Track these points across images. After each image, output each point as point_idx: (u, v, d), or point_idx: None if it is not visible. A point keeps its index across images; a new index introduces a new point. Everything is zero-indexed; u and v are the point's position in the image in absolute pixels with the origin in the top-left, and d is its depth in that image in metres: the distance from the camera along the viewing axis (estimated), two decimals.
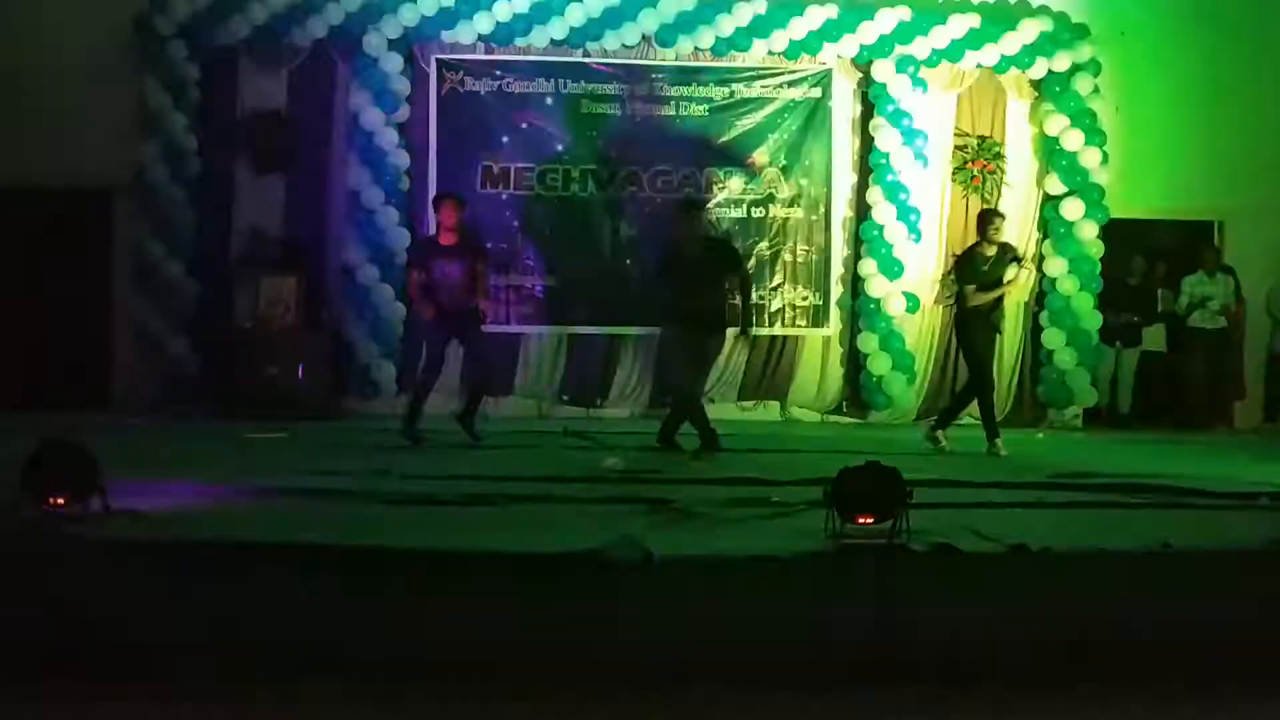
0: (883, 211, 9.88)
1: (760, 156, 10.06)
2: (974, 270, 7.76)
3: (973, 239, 8.18)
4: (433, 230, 8.11)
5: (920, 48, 9.82)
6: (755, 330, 9.86)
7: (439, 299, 7.61)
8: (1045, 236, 10.16)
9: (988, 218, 7.96)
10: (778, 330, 10.17)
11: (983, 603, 4.08)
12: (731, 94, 10.08)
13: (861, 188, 10.12)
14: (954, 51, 9.90)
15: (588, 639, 3.95)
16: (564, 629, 3.97)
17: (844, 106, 10.16)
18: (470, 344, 7.88)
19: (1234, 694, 3.81)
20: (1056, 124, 9.97)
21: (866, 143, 10.10)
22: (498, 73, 9.93)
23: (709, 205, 9.54)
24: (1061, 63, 9.92)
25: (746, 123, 10.07)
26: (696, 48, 9.88)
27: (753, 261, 10.00)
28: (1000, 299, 7.87)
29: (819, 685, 3.80)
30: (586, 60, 9.98)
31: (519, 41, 9.79)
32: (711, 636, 3.96)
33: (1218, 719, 3.66)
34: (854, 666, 3.90)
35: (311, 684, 3.75)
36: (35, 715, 3.56)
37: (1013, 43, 9.87)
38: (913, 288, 9.95)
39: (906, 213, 9.86)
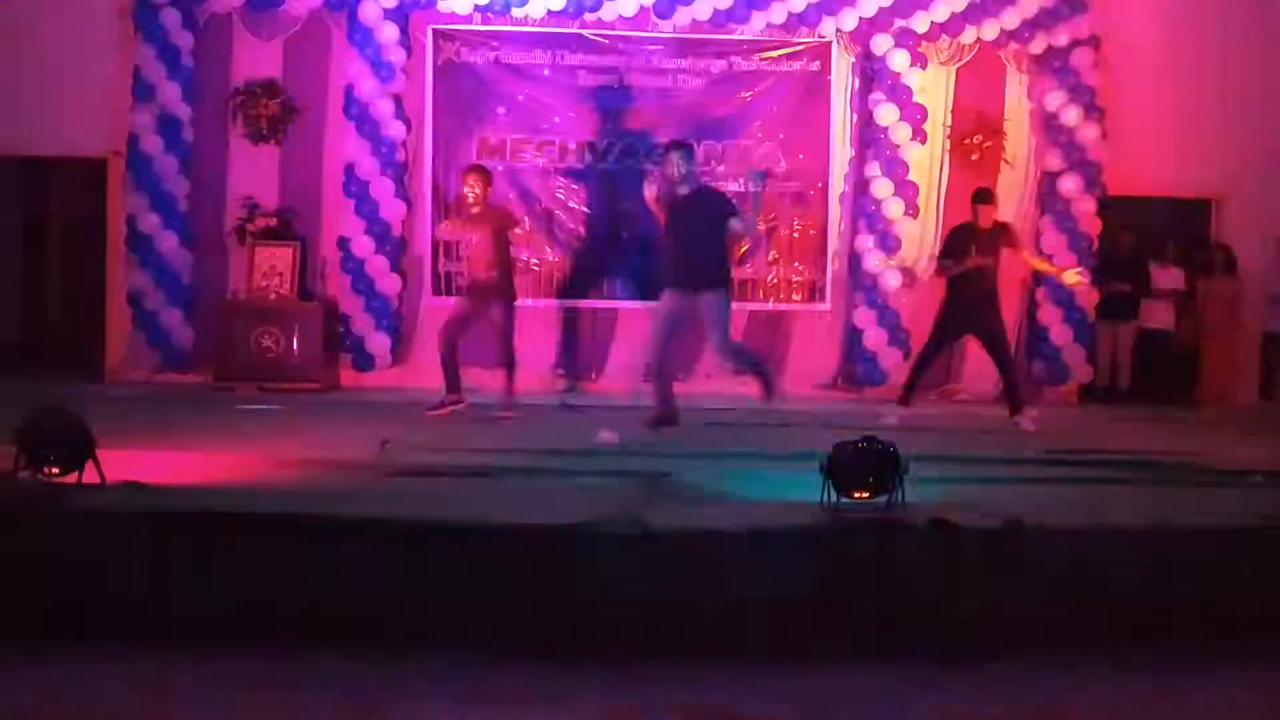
0: (880, 186, 9.85)
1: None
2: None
3: (969, 214, 8.28)
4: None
5: (919, 21, 9.74)
6: (751, 305, 9.93)
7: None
8: (1043, 213, 10.14)
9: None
10: (773, 305, 10.15)
11: (979, 577, 4.10)
12: (729, 67, 10.01)
13: (859, 162, 10.07)
14: (953, 26, 9.83)
15: (583, 611, 3.95)
16: (559, 601, 3.97)
17: (842, 80, 10.10)
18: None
19: (1231, 669, 3.83)
20: (1055, 99, 9.93)
21: (864, 117, 10.05)
22: (494, 44, 9.85)
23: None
24: (1061, 38, 9.87)
25: (744, 96, 10.01)
26: (694, 19, 9.81)
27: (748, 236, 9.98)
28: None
29: (815, 659, 3.81)
30: (584, 32, 9.90)
31: (516, 12, 9.70)
32: (707, 610, 3.97)
33: (1215, 693, 3.68)
34: (850, 640, 3.92)
35: (309, 651, 3.75)
36: (35, 682, 3.56)
37: (1012, 17, 9.79)
38: (909, 263, 9.94)
39: (904, 188, 9.83)
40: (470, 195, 7.91)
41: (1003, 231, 8.21)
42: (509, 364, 7.95)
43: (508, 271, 8.02)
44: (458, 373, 7.96)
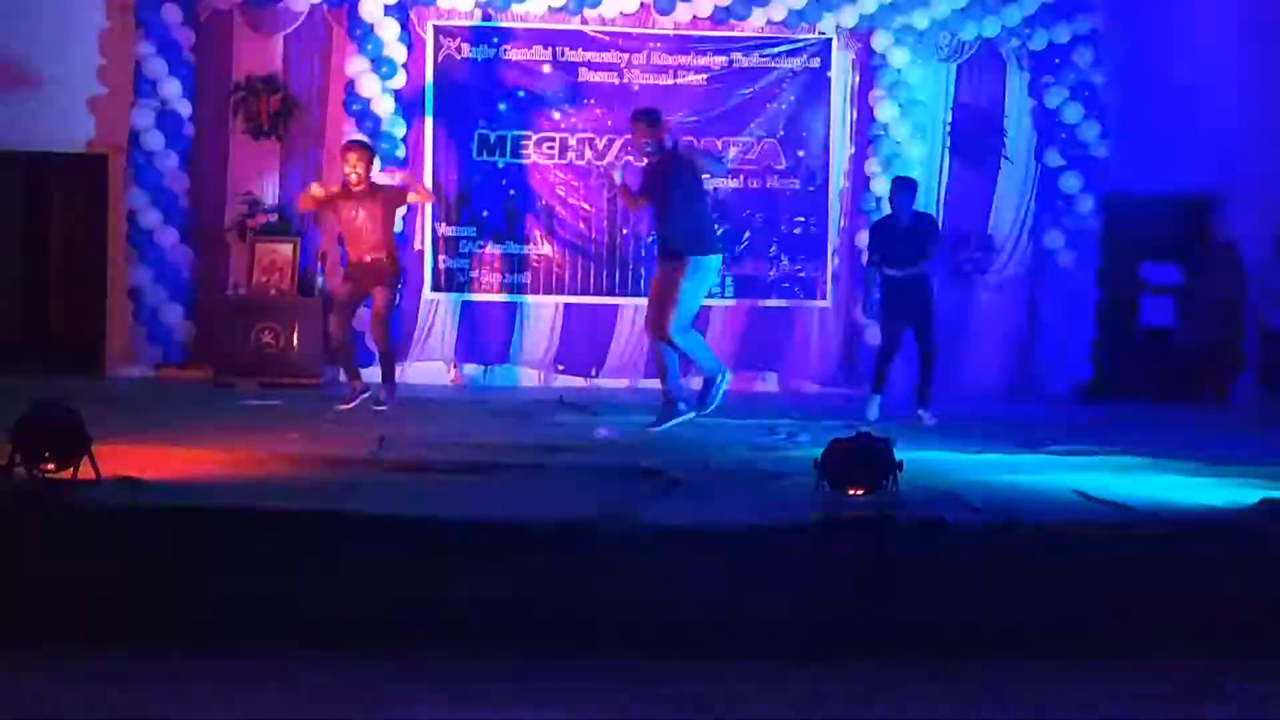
0: (882, 183, 9.83)
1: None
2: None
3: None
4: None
5: (920, 18, 9.74)
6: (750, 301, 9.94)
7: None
8: (1042, 210, 10.12)
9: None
10: (774, 301, 10.16)
11: (973, 575, 4.09)
12: (730, 63, 10.00)
13: (859, 159, 10.07)
14: (954, 22, 9.82)
15: (579, 608, 3.96)
16: (554, 598, 3.97)
17: (843, 77, 10.09)
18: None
19: (1228, 666, 3.82)
20: (1056, 96, 9.91)
21: (865, 114, 10.04)
22: (495, 40, 9.85)
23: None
24: (1062, 34, 9.85)
25: (745, 92, 10.00)
26: (695, 16, 9.80)
27: (749, 233, 9.99)
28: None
29: (806, 656, 3.81)
30: (584, 28, 9.90)
31: (516, 8, 9.70)
32: (701, 607, 3.97)
33: (1211, 692, 3.67)
34: (842, 638, 3.91)
35: (303, 649, 3.76)
36: (30, 681, 3.57)
37: (1013, 14, 9.79)
38: None
39: None
40: (353, 176, 7.67)
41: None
42: (389, 352, 7.84)
43: (395, 253, 7.92)
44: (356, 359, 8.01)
